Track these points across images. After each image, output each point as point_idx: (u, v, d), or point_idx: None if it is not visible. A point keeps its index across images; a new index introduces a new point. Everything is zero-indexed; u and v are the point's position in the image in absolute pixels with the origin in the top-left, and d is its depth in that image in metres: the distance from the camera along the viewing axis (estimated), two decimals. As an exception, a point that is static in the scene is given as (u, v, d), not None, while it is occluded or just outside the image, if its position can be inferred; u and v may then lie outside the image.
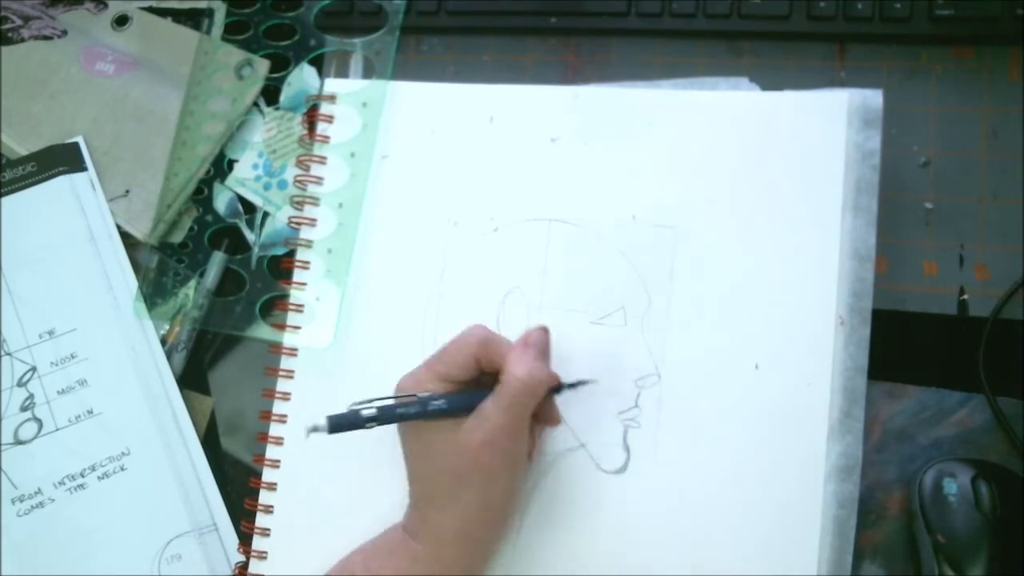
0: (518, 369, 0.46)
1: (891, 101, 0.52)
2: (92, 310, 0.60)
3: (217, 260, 0.60)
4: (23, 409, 0.58)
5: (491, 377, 0.47)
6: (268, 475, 0.55)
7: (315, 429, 0.43)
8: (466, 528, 0.47)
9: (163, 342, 0.59)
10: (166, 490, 0.56)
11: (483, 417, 0.46)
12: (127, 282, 0.60)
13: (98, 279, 0.60)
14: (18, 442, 0.57)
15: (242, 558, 0.55)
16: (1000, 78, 0.54)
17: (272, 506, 0.55)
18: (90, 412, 0.58)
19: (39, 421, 0.57)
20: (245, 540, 0.55)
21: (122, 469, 0.57)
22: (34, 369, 0.58)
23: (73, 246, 0.61)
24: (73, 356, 0.59)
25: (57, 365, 0.58)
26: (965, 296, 0.52)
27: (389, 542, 0.49)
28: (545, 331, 0.49)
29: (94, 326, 0.59)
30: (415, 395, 0.46)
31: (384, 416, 0.46)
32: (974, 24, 0.54)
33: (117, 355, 0.59)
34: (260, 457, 0.56)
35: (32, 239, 0.61)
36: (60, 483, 0.56)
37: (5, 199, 0.62)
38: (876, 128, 0.51)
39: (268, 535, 0.54)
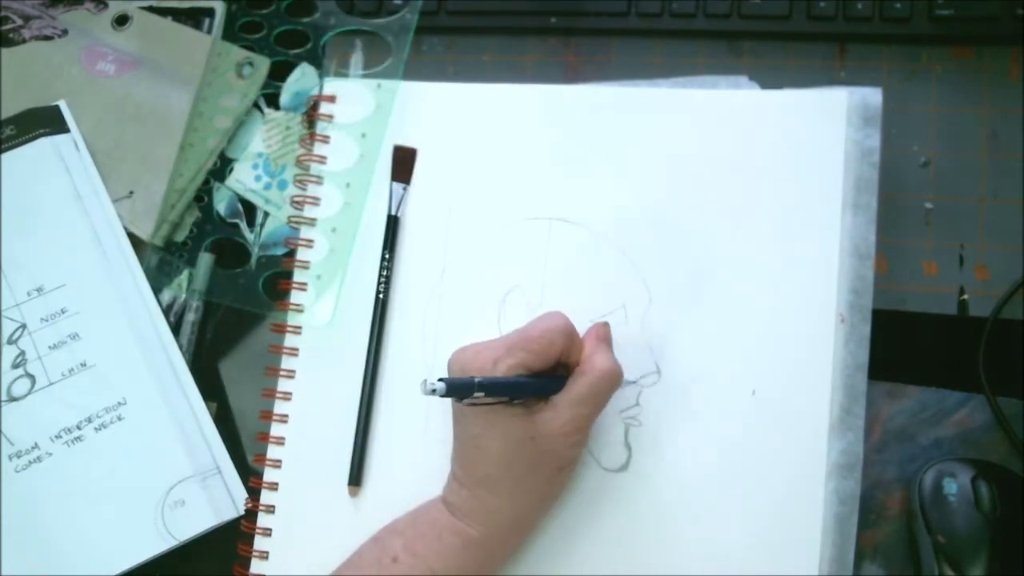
0: (602, 363, 0.46)
1: (891, 101, 0.52)
2: (81, 266, 0.59)
3: (205, 261, 0.60)
4: (15, 366, 0.58)
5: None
6: (269, 475, 0.55)
7: (432, 390, 0.41)
8: (523, 515, 0.47)
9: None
10: (166, 437, 0.56)
11: (563, 407, 0.45)
12: (116, 237, 0.60)
13: (86, 235, 0.60)
14: (11, 399, 0.57)
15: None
16: (1000, 78, 0.55)
17: (274, 506, 0.55)
18: (83, 365, 0.57)
19: (32, 377, 0.57)
20: (247, 539, 0.55)
21: (119, 419, 0.57)
22: (24, 326, 0.58)
23: (59, 205, 0.60)
24: (63, 311, 0.58)
25: (47, 321, 0.58)
26: (965, 296, 0.52)
27: (433, 524, 0.47)
28: (608, 326, 0.49)
29: (84, 281, 0.59)
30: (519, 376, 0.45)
31: (492, 388, 0.44)
32: (974, 24, 0.55)
33: (109, 308, 0.59)
34: (261, 457, 0.56)
35: (15, 200, 0.61)
36: (57, 436, 0.56)
37: None
38: (876, 126, 0.51)
39: (270, 535, 0.54)
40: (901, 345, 0.52)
